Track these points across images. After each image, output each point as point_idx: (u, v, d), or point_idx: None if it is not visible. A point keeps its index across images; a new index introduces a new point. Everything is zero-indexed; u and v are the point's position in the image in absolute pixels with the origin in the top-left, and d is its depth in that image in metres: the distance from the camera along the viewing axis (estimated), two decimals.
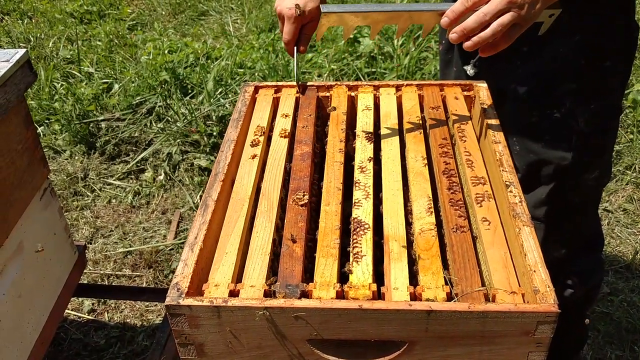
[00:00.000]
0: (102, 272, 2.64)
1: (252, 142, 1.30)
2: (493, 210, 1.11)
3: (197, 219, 1.10)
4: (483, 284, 0.98)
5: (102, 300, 2.49)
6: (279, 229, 1.13)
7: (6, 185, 1.58)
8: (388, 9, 1.25)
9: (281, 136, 1.31)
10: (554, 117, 1.44)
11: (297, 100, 1.44)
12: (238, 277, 1.03)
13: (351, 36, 3.73)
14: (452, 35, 1.13)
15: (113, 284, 2.59)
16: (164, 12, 4.80)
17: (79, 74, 3.74)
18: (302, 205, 1.12)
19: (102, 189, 3.12)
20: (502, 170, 1.18)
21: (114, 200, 3.06)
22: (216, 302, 0.94)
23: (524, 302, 0.94)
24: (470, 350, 0.96)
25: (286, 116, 1.38)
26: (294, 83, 1.48)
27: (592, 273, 1.71)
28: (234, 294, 0.98)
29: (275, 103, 1.44)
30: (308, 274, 1.04)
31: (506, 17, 1.09)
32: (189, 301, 0.95)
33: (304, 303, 0.94)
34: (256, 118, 1.38)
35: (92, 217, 2.95)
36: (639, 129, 3.19)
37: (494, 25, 1.09)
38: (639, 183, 2.92)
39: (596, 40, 1.37)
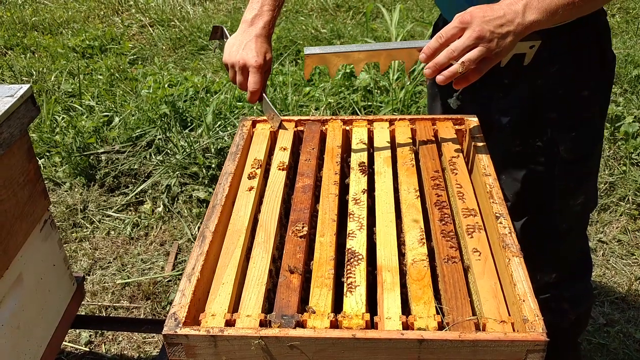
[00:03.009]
0: (100, 303, 2.64)
1: (249, 174, 1.34)
2: (483, 241, 1.14)
3: (195, 249, 1.13)
4: (474, 314, 1.00)
5: (100, 332, 2.49)
6: (275, 259, 1.15)
7: (7, 216, 1.61)
8: (367, 48, 1.32)
9: (279, 169, 1.35)
10: (536, 146, 1.49)
11: (295, 134, 1.48)
12: (234, 307, 1.05)
13: (347, 71, 3.81)
14: (426, 71, 1.21)
15: (111, 315, 2.59)
16: (164, 47, 4.90)
17: (80, 107, 3.80)
18: (301, 237, 1.15)
19: (101, 220, 3.14)
20: (492, 202, 1.21)
21: (112, 232, 3.08)
22: (213, 332, 0.96)
23: (514, 331, 0.96)
24: None
25: (284, 149, 1.42)
26: (292, 117, 1.52)
27: (583, 298, 1.74)
28: (230, 323, 1.00)
29: (273, 137, 1.48)
30: (304, 304, 1.06)
31: (474, 53, 1.16)
32: (186, 330, 0.97)
33: (299, 332, 0.96)
34: (253, 151, 1.42)
35: (90, 248, 2.97)
36: (631, 160, 3.23)
37: (462, 60, 1.17)
38: (633, 214, 2.95)
39: (573, 71, 1.43)
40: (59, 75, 4.30)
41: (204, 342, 0.97)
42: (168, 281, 2.76)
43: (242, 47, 1.45)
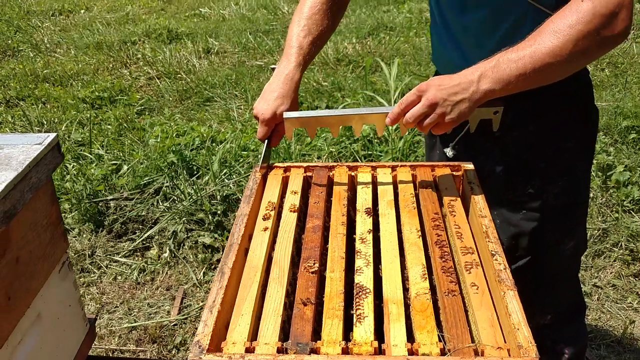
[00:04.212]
0: (107, 347, 2.70)
1: (264, 216, 1.44)
2: (480, 276, 1.24)
3: (215, 284, 1.23)
4: (473, 341, 1.10)
5: None
6: (289, 293, 1.25)
7: (32, 257, 1.70)
8: (340, 113, 1.49)
9: (291, 211, 1.46)
10: (527, 193, 1.60)
11: (305, 179, 1.60)
12: (253, 336, 1.14)
13: None
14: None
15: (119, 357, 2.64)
16: (170, 98, 5.08)
17: (89, 155, 3.93)
18: (312, 273, 1.25)
19: (109, 265, 3.22)
20: (488, 241, 1.31)
21: (119, 277, 3.15)
22: (234, 358, 1.05)
23: (510, 356, 1.05)
24: None
25: (295, 193, 1.53)
26: (302, 164, 1.64)
27: (577, 338, 1.81)
28: (249, 350, 1.09)
29: (284, 181, 1.60)
30: (316, 334, 1.15)
31: (426, 122, 1.35)
32: (210, 357, 1.06)
33: (313, 358, 1.05)
34: (267, 195, 1.53)
35: (98, 293, 3.04)
36: (623, 208, 3.35)
37: (417, 126, 1.37)
38: (626, 260, 3.04)
39: (555, 126, 1.56)
40: (69, 125, 4.46)
41: None
42: (174, 325, 2.82)
43: (262, 98, 1.60)
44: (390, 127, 3.92)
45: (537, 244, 1.66)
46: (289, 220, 1.44)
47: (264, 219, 1.44)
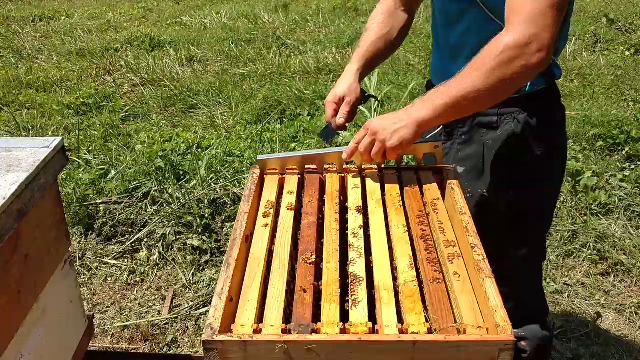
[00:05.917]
0: (100, 345, 2.78)
1: (264, 213, 1.57)
2: (462, 266, 1.38)
3: (222, 274, 1.35)
4: (456, 322, 1.23)
5: None
6: (289, 282, 1.37)
7: (39, 254, 1.80)
8: (302, 154, 1.72)
9: (288, 209, 1.59)
10: (483, 196, 1.75)
11: (299, 180, 1.73)
12: (259, 319, 1.26)
13: None
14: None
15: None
16: (155, 105, 5.16)
17: (77, 160, 4.00)
18: (310, 264, 1.38)
19: (99, 267, 3.30)
20: (468, 235, 1.46)
21: (110, 279, 3.23)
22: (244, 338, 1.17)
23: (488, 334, 1.19)
24: None
25: (291, 193, 1.66)
26: (295, 167, 1.76)
27: (538, 337, 1.91)
28: (257, 331, 1.21)
29: (281, 182, 1.72)
30: (315, 317, 1.28)
31: (373, 150, 1.57)
32: (222, 337, 1.17)
33: (315, 337, 1.17)
34: (266, 194, 1.65)
35: (89, 294, 3.11)
36: (591, 211, 3.54)
37: (369, 155, 1.59)
38: (594, 259, 3.23)
39: (513, 139, 1.70)
40: (55, 131, 4.52)
41: (235, 347, 1.17)
42: (165, 324, 2.91)
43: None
44: None
45: (488, 245, 1.77)
46: (286, 217, 1.56)
47: (264, 216, 1.56)
